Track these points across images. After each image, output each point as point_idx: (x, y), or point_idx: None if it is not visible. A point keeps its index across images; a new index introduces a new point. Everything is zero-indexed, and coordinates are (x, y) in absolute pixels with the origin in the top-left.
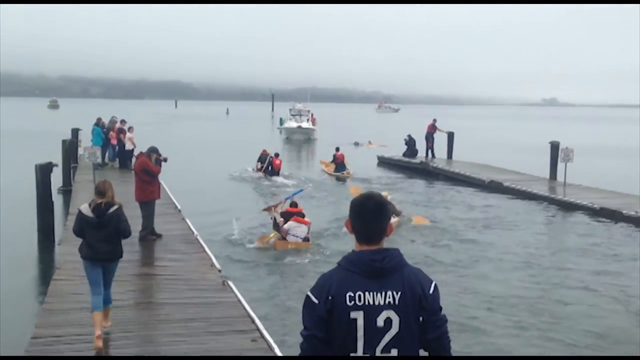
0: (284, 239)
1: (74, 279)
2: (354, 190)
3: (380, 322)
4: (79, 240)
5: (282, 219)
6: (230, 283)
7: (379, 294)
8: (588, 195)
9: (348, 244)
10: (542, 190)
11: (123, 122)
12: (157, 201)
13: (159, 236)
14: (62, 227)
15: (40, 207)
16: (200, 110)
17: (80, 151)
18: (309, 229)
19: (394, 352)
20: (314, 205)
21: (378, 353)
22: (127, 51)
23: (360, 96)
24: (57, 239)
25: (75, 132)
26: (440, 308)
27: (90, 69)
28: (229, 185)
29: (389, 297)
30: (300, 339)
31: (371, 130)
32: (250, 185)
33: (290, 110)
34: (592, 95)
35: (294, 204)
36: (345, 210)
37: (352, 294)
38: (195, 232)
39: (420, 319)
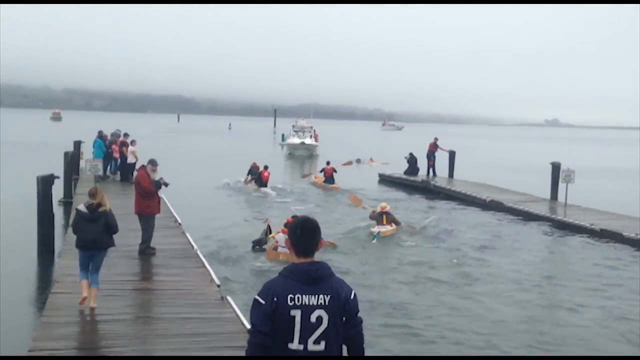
0: (275, 250)
1: (72, 292)
2: (353, 198)
3: (313, 319)
4: (77, 254)
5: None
6: (229, 299)
7: (313, 297)
8: (589, 217)
9: (333, 255)
10: (542, 210)
11: (126, 135)
12: (157, 215)
13: (153, 250)
14: (62, 239)
15: (41, 219)
16: (203, 125)
17: (82, 163)
18: None
19: (322, 344)
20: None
21: (310, 344)
22: (130, 65)
23: (362, 113)
24: (57, 251)
25: (77, 144)
26: (358, 311)
27: (93, 82)
28: (224, 197)
29: (321, 299)
30: None
31: (374, 147)
32: (241, 196)
33: (293, 126)
34: (593, 116)
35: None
36: (333, 221)
37: (292, 296)
38: (195, 247)
39: (343, 318)
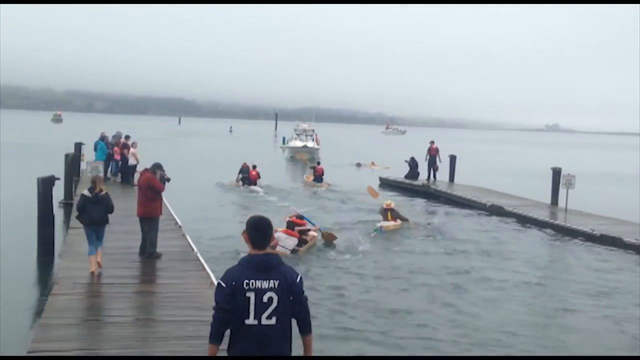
0: (274, 248)
1: (71, 294)
2: (370, 190)
3: (265, 299)
4: (78, 256)
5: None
6: None
7: (265, 282)
8: (589, 222)
9: (329, 254)
10: (542, 215)
11: (127, 137)
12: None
13: (159, 254)
14: (62, 241)
15: (41, 220)
16: (204, 128)
17: (83, 165)
18: (298, 241)
19: (273, 319)
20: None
21: (263, 319)
22: (132, 67)
23: (363, 117)
24: (57, 253)
25: (78, 146)
26: (303, 292)
27: (95, 84)
28: (221, 198)
29: (272, 284)
30: None
31: (377, 151)
32: (236, 196)
33: (295, 129)
34: (594, 122)
35: (299, 217)
36: (323, 217)
37: (248, 281)
38: (195, 249)
39: (291, 298)
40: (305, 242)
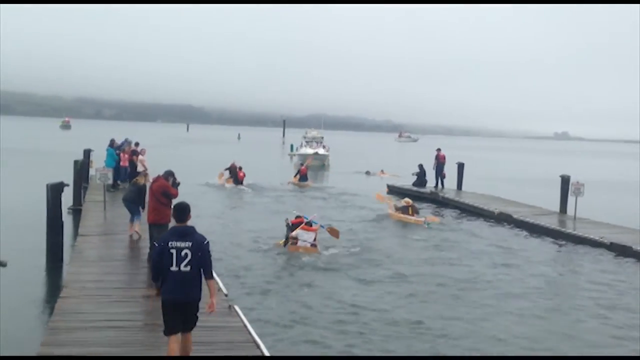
0: (295, 244)
1: (80, 297)
2: (379, 196)
3: (182, 254)
4: (86, 261)
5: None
6: (237, 308)
7: (183, 243)
8: (598, 230)
9: (348, 251)
10: (551, 223)
11: (137, 144)
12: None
13: None
14: (71, 247)
15: (50, 227)
16: (212, 135)
17: (92, 172)
18: (315, 235)
19: (188, 267)
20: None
21: (182, 267)
22: (140, 74)
23: (371, 125)
24: (65, 259)
25: (87, 152)
26: (209, 251)
27: (104, 91)
28: (214, 196)
29: (187, 244)
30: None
31: (387, 159)
32: (225, 193)
33: (304, 137)
34: (604, 130)
35: (298, 216)
36: (337, 215)
37: (172, 243)
38: None
39: (199, 254)
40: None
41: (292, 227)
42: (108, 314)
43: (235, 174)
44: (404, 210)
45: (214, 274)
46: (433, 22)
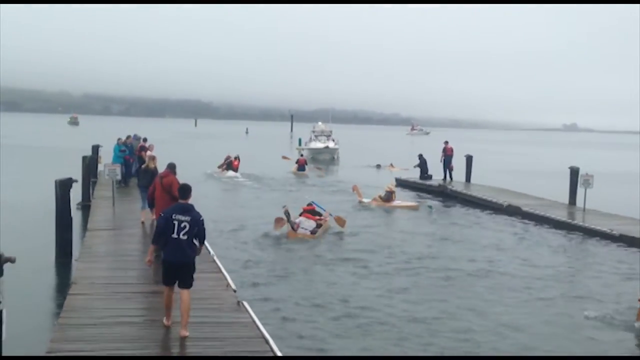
0: (295, 231)
1: (89, 294)
2: (355, 188)
3: (182, 225)
4: (95, 257)
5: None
6: (246, 304)
7: (183, 216)
8: (607, 222)
9: (350, 239)
10: (561, 215)
11: (145, 140)
12: None
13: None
14: (80, 242)
15: (59, 222)
16: (220, 130)
17: (100, 167)
18: (317, 224)
19: (186, 236)
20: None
21: (181, 235)
22: (148, 70)
23: (379, 118)
24: (74, 255)
25: (95, 148)
26: (202, 224)
27: (112, 87)
28: (215, 188)
29: (187, 218)
30: None
31: (399, 153)
32: (222, 183)
33: (312, 131)
34: (613, 121)
35: (313, 212)
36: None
37: (174, 216)
38: (212, 252)
39: (196, 227)
40: (321, 225)
41: (288, 215)
42: (118, 310)
43: (230, 164)
44: (388, 196)
45: (205, 242)
46: (442, 16)
